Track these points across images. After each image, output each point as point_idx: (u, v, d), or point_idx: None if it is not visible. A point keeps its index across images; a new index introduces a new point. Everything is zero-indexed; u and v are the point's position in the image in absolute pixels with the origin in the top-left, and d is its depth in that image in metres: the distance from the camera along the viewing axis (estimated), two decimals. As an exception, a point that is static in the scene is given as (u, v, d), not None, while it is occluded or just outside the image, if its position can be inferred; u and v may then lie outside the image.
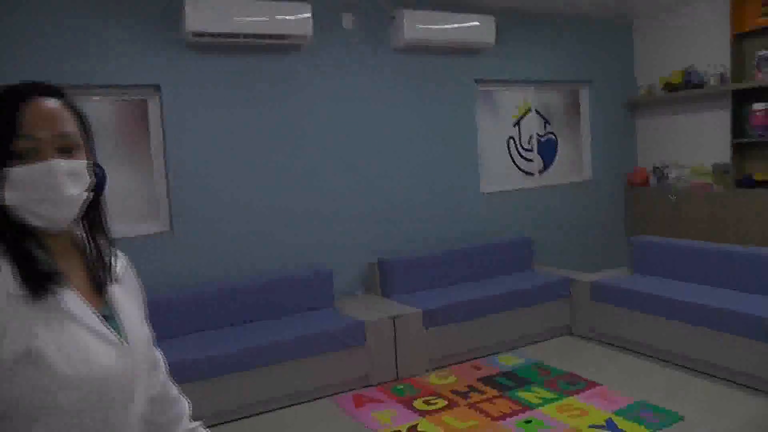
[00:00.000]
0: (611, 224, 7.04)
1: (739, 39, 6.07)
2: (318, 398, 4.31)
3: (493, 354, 5.03)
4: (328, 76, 5.16)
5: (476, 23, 5.58)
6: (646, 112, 7.09)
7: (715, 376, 4.32)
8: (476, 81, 5.99)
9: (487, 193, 6.10)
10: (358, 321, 4.44)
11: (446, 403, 4.17)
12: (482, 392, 4.32)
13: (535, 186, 6.48)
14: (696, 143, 6.62)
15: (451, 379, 4.58)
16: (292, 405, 4.23)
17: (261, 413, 4.13)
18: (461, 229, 5.90)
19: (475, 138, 5.99)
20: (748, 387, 4.12)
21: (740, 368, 4.15)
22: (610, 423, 3.75)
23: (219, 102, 4.74)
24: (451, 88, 5.82)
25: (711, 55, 6.36)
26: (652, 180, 6.88)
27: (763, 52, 5.82)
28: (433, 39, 5.38)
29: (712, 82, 6.23)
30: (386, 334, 4.50)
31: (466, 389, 4.38)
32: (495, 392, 4.31)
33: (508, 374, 4.61)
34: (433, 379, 4.60)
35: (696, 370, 4.45)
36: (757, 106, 5.85)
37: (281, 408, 4.20)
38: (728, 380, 4.24)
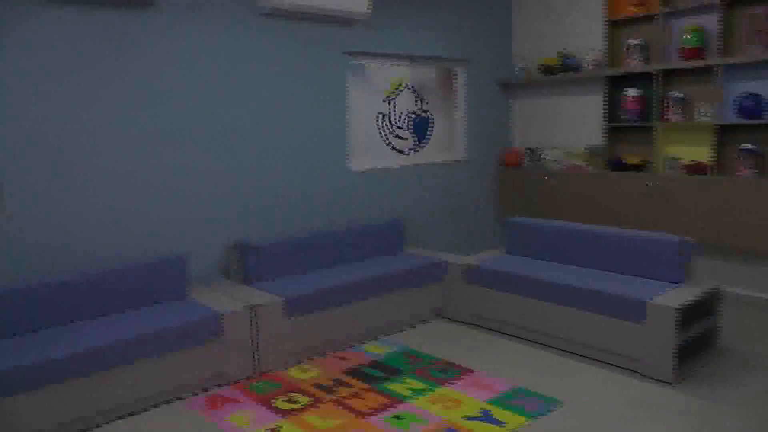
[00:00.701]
0: (485, 206, 6.96)
1: (613, 26, 6.09)
2: (168, 402, 3.82)
3: (362, 343, 4.75)
4: (185, 39, 4.56)
5: (349, -10, 5.19)
6: (521, 93, 7.03)
7: (590, 358, 4.29)
8: (348, 53, 5.61)
9: (357, 171, 5.77)
10: (213, 312, 3.97)
11: (310, 400, 3.82)
12: (349, 386, 4.01)
13: (408, 165, 6.23)
14: (571, 126, 6.63)
15: (315, 372, 4.24)
16: (138, 412, 3.71)
17: (101, 424, 3.58)
18: (329, 209, 5.54)
19: (344, 113, 5.62)
20: (622, 368, 4.11)
21: (614, 348, 4.13)
22: (485, 413, 3.56)
23: (55, 65, 4.05)
24: (322, 60, 5.40)
25: (588, 40, 6.36)
26: (527, 161, 6.84)
27: (633, 40, 5.85)
28: (303, 4, 4.91)
29: (588, 67, 6.23)
30: (244, 326, 4.08)
31: (332, 383, 4.06)
32: (363, 385, 4.01)
33: (377, 364, 4.34)
34: (296, 373, 4.24)
35: (571, 352, 4.40)
36: (630, 91, 5.90)
37: (125, 417, 3.66)
38: (603, 361, 4.22)
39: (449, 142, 6.70)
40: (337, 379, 4.10)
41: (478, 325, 5.01)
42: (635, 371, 4.05)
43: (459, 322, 5.16)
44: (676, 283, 4.31)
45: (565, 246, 4.97)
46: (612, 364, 4.17)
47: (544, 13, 6.72)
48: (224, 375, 4.04)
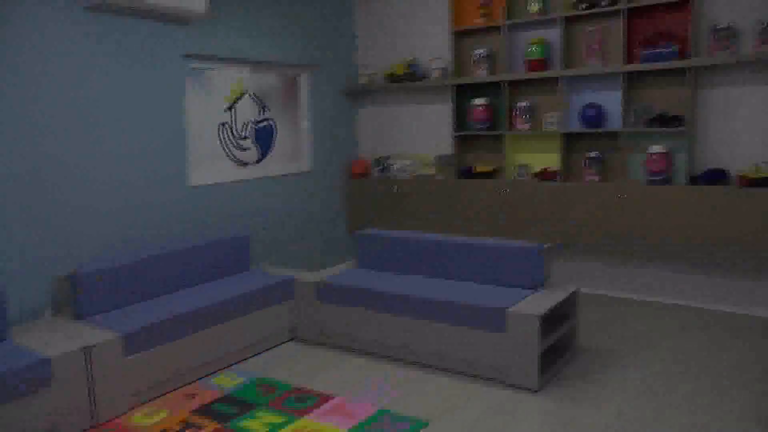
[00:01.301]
0: (334, 218, 6.70)
1: (460, 36, 6.10)
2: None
3: (211, 374, 4.25)
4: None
5: (185, -15, 4.67)
6: (368, 101, 6.87)
7: (454, 371, 4.14)
8: (186, 56, 5.09)
9: (198, 186, 5.25)
10: (40, 357, 3.31)
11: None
12: (199, 427, 3.52)
13: (252, 178, 5.81)
14: (419, 135, 6.56)
15: (162, 414, 3.69)
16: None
17: None
18: (168, 229, 4.96)
19: (182, 123, 5.09)
20: (486, 378, 4.01)
21: (477, 360, 4.01)
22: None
23: None
24: (156, 62, 4.82)
25: (435, 48, 6.32)
26: (375, 171, 6.67)
27: (480, 50, 5.87)
28: (134, -1, 4.34)
29: (435, 76, 6.17)
30: (78, 370, 3.45)
31: (180, 427, 3.53)
32: (215, 425, 3.54)
33: (228, 399, 3.87)
34: (140, 418, 3.65)
35: (435, 367, 4.22)
36: (478, 101, 5.91)
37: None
38: (466, 373, 4.09)
39: (294, 152, 6.37)
40: (186, 421, 3.58)
41: (335, 345, 4.69)
42: (500, 381, 3.94)
43: (314, 343, 4.81)
44: (535, 289, 4.28)
45: (419, 257, 4.81)
46: (476, 376, 4.04)
47: (390, 21, 6.61)
48: (56, 429, 3.37)
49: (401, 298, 4.28)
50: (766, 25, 4.71)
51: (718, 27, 4.89)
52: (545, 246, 4.36)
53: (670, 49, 5.01)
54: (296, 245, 6.21)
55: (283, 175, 6.09)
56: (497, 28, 5.85)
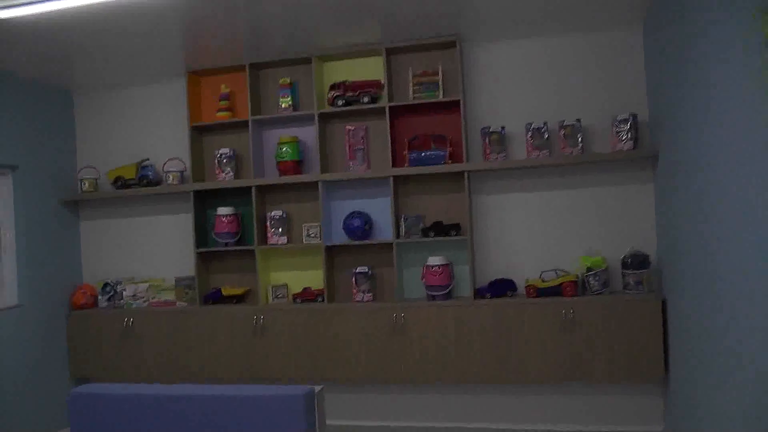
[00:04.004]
0: (54, 367, 5.10)
1: (199, 132, 5.12)
2: None
3: None
4: None
5: None
6: (93, 212, 5.53)
7: None
8: None
9: None
10: None
11: None
12: None
13: None
14: (157, 252, 5.34)
15: None
16: None
17: None
18: None
19: None
20: None
21: None
22: None
23: None
24: None
25: (170, 147, 5.25)
26: (103, 300, 5.28)
27: (223, 150, 4.94)
28: None
29: (170, 180, 5.07)
30: None
31: None
32: None
33: None
34: None
35: None
36: (222, 209, 4.90)
37: None
38: None
39: (-11, 281, 4.82)
40: None
41: None
42: None
43: None
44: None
45: (152, 419, 3.53)
46: None
47: (115, 113, 5.44)
48: None
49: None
50: (536, 129, 4.38)
51: (490, 130, 4.47)
52: (316, 389, 3.36)
53: (443, 152, 4.48)
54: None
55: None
56: (244, 124, 4.97)
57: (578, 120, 4.35)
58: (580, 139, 4.33)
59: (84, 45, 4.34)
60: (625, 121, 4.21)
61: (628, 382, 4.35)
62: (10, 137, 4.86)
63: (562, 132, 4.37)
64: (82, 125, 5.53)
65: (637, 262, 4.21)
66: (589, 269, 4.29)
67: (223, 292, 4.93)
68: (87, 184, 5.28)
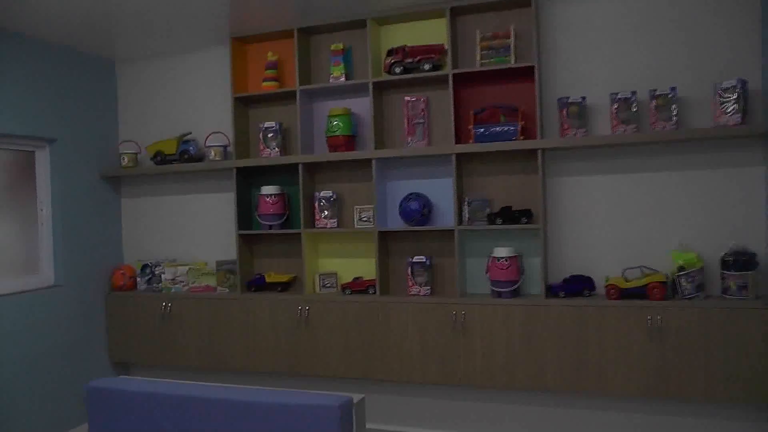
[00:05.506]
0: (90, 349, 4.83)
1: (243, 103, 4.69)
2: None
3: None
4: None
5: None
6: (134, 189, 5.20)
7: None
8: None
9: None
10: None
11: None
12: None
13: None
14: (196, 234, 4.98)
15: None
16: None
17: None
18: None
19: None
20: None
21: None
22: None
23: None
24: None
25: (212, 120, 4.85)
26: (142, 282, 4.95)
27: (269, 123, 4.49)
28: None
29: (212, 156, 4.66)
30: None
31: None
32: None
33: None
34: None
35: None
36: (267, 189, 4.46)
37: None
38: None
39: (27, 260, 4.52)
40: None
41: None
42: None
43: None
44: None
45: (175, 420, 3.14)
46: None
47: (156, 83, 5.07)
48: None
49: None
50: (622, 99, 3.75)
51: (569, 101, 3.87)
52: (354, 399, 2.90)
53: (513, 127, 3.91)
54: (31, 398, 4.28)
55: (7, 295, 4.23)
56: (292, 94, 4.51)
57: (673, 89, 3.67)
58: (675, 111, 3.66)
59: (126, 10, 3.96)
60: (732, 89, 3.51)
61: (728, 403, 3.69)
62: (48, 109, 4.55)
63: (654, 103, 3.71)
64: (123, 97, 5.19)
65: (741, 261, 3.54)
66: (680, 268, 3.64)
67: (267, 279, 4.52)
68: (126, 159, 4.94)
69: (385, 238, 4.32)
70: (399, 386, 4.38)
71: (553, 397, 4.06)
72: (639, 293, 3.68)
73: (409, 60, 4.12)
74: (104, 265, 5.02)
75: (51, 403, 4.47)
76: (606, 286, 3.75)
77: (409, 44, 4.21)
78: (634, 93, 3.74)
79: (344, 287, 4.31)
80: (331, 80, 4.34)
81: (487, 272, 4.00)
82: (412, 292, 4.14)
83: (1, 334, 4.14)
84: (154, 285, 4.89)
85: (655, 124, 3.70)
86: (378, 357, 4.12)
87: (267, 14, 4.22)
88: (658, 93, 3.70)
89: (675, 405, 3.83)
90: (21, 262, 4.49)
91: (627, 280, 3.73)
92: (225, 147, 4.66)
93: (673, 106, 3.66)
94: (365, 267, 4.43)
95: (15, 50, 4.31)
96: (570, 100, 3.85)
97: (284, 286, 4.51)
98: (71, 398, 4.63)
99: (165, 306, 4.68)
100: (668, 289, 3.67)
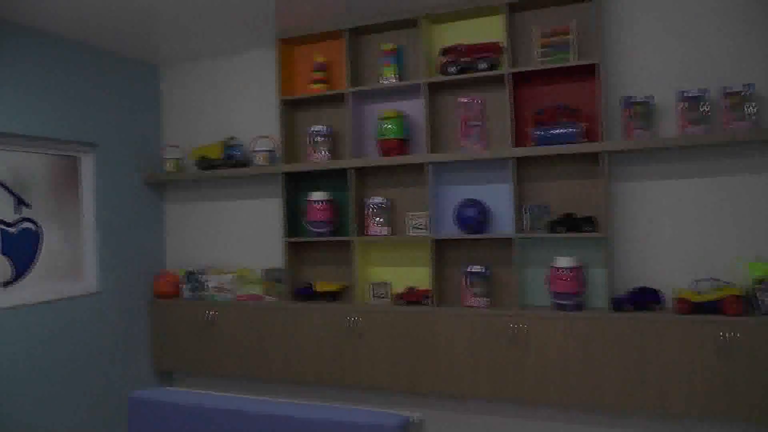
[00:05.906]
0: (134, 357, 4.75)
1: (291, 107, 4.56)
2: None
3: None
4: None
5: None
6: (179, 195, 5.10)
7: None
8: None
9: None
10: None
11: None
12: None
13: (1, 307, 3.85)
14: (242, 241, 4.85)
15: None
16: None
17: None
18: None
19: None
20: None
21: None
22: None
23: None
24: None
25: (258, 124, 4.74)
26: (186, 290, 4.85)
27: (318, 127, 4.34)
28: None
29: (259, 161, 4.53)
30: None
31: None
32: None
33: None
34: None
35: None
36: (316, 195, 4.31)
37: None
38: None
39: (71, 265, 4.45)
40: None
41: None
42: None
43: None
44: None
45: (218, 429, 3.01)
46: None
47: (201, 86, 4.97)
48: None
49: None
50: (692, 98, 3.53)
51: (634, 101, 3.65)
52: (412, 419, 2.73)
53: (575, 128, 3.71)
54: (69, 403, 4.20)
55: (51, 301, 4.15)
56: (341, 97, 4.36)
57: (748, 86, 3.44)
58: (751, 110, 3.43)
59: (170, 11, 3.85)
60: (817, 89, 3.29)
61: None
62: (92, 114, 4.47)
63: (727, 101, 3.47)
64: (167, 101, 5.10)
65: (826, 271, 3.31)
66: (759, 281, 3.40)
67: (316, 288, 4.37)
68: (170, 164, 4.84)
69: (440, 246, 4.15)
70: (451, 400, 4.20)
71: (610, 415, 3.84)
72: (712, 308, 3.44)
73: (464, 59, 3.94)
74: (147, 272, 4.94)
75: (92, 411, 4.39)
76: (676, 300, 3.52)
77: (464, 43, 4.04)
78: (705, 91, 3.51)
79: (397, 297, 4.14)
80: (382, 81, 4.18)
81: (547, 283, 3.80)
82: (469, 303, 3.95)
83: (44, 340, 4.07)
84: (199, 293, 4.78)
85: (728, 124, 3.46)
86: (430, 370, 3.94)
87: (315, 14, 4.08)
88: (731, 90, 3.46)
89: (738, 425, 3.58)
90: (65, 268, 4.42)
91: (699, 293, 3.50)
92: (271, 151, 4.54)
93: (749, 105, 3.42)
94: (417, 276, 4.26)
95: (59, 55, 4.23)
96: (636, 99, 3.63)
97: (334, 296, 4.36)
98: (112, 406, 4.54)
99: (209, 314, 4.57)
100: (744, 303, 3.43)
